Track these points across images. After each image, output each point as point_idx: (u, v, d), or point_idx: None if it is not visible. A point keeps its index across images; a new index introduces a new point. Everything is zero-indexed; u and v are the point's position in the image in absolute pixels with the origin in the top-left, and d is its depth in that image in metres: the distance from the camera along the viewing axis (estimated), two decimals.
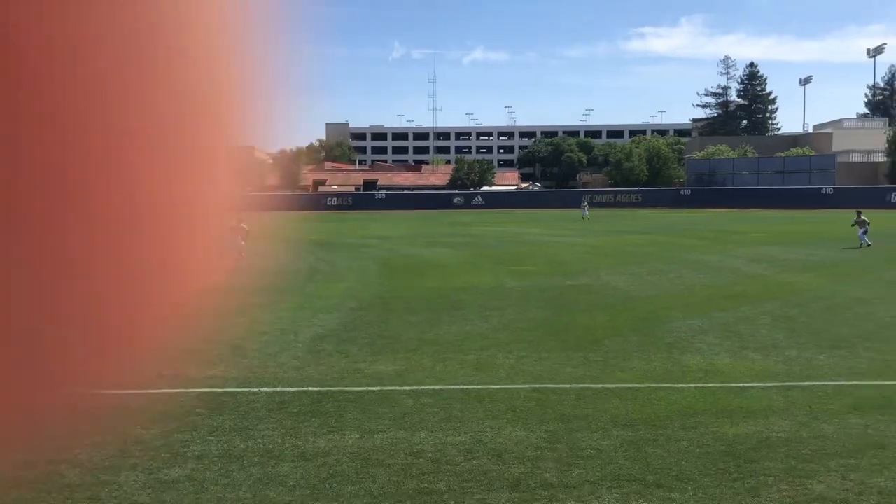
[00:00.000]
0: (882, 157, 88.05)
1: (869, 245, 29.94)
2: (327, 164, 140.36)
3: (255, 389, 10.46)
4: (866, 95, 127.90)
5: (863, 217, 31.22)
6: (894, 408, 9.24)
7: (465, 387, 10.42)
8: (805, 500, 6.58)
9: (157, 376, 11.18)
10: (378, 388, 10.47)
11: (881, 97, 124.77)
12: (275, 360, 12.21)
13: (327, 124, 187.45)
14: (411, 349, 12.80)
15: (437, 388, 10.41)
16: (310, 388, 10.48)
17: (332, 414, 9.27)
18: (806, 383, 10.40)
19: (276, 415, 9.29)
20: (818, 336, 13.54)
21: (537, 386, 10.39)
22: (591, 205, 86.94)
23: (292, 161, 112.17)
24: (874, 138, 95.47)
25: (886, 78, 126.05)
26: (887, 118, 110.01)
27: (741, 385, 10.35)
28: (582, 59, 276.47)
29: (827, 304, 17.07)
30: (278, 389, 10.47)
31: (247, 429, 8.77)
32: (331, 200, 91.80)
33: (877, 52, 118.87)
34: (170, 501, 6.85)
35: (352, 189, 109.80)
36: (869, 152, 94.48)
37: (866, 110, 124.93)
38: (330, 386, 10.61)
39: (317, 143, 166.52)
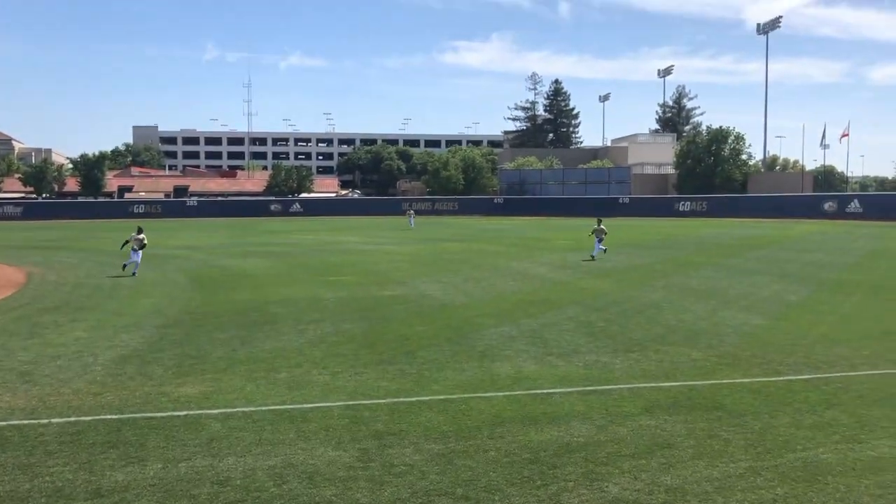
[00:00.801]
0: (671, 170, 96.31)
1: (605, 250, 31.12)
2: (134, 170, 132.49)
3: (45, 420, 9.61)
4: (657, 112, 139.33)
5: (602, 226, 31.46)
6: (681, 408, 10.06)
7: (277, 407, 10.15)
8: (602, 503, 7.00)
9: None
10: (184, 412, 9.95)
11: (670, 114, 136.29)
12: (69, 387, 11.28)
13: (134, 127, 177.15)
14: (221, 369, 12.31)
15: (247, 409, 10.06)
16: (108, 416, 9.77)
17: (132, 443, 8.69)
18: (603, 387, 11.08)
19: (68, 448, 8.56)
20: (614, 340, 14.50)
21: (351, 403, 10.33)
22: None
23: (94, 166, 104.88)
24: (664, 152, 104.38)
25: (674, 97, 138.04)
26: (675, 134, 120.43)
27: (546, 391, 10.85)
28: (400, 69, 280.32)
29: (622, 308, 18.34)
30: (72, 419, 9.67)
31: (33, 466, 8.01)
32: (137, 208, 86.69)
33: (666, 72, 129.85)
34: None
35: (161, 196, 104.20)
36: (660, 165, 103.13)
37: (657, 126, 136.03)
38: (131, 412, 9.95)
39: (123, 147, 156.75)
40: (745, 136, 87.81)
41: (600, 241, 30.98)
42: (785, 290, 21.34)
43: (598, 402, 10.28)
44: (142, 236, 25.88)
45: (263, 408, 10.12)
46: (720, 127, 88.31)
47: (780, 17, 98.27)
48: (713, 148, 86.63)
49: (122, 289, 22.60)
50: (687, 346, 13.88)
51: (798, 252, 33.87)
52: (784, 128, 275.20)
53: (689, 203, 78.85)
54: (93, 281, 24.56)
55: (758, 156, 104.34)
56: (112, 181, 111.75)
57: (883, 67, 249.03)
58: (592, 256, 30.39)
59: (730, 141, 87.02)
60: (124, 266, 25.88)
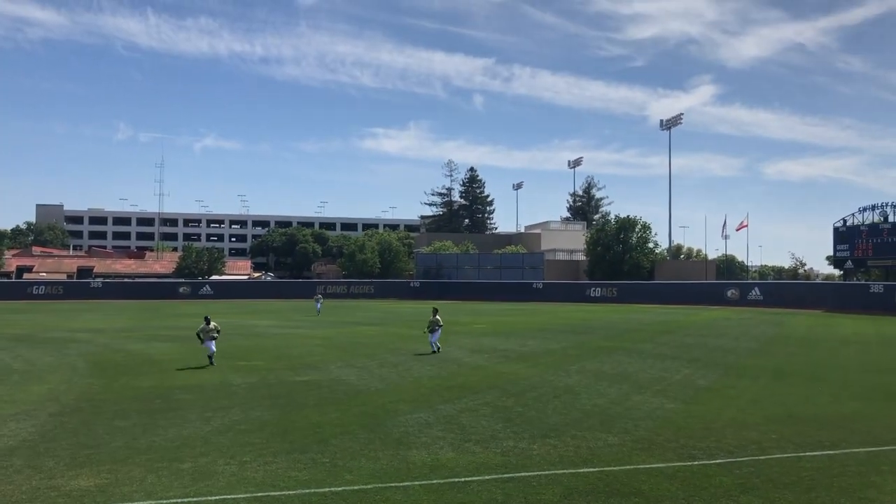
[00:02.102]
0: (582, 256, 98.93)
1: (438, 350, 27.07)
2: (35, 249, 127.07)
3: None
4: (568, 201, 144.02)
5: (437, 317, 27.53)
6: (599, 494, 9.95)
7: (180, 500, 9.52)
8: None
9: None
10: None
11: (580, 203, 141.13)
12: None
13: (38, 205, 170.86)
14: (119, 459, 11.54)
15: (147, 503, 9.40)
16: None
17: None
18: (522, 474, 10.90)
19: None
20: (532, 425, 14.39)
21: (260, 494, 9.80)
22: (325, 296, 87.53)
23: None
24: (575, 239, 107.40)
25: (584, 187, 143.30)
26: (585, 222, 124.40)
27: (463, 479, 10.58)
28: (317, 153, 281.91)
29: (539, 392, 18.31)
30: None
31: None
32: (37, 289, 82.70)
33: (576, 163, 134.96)
34: None
35: (63, 276, 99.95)
36: (571, 251, 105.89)
37: (568, 214, 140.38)
38: None
39: (24, 226, 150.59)
40: (651, 226, 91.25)
41: (434, 333, 27.20)
42: (694, 375, 21.82)
43: (517, 490, 10.07)
44: (213, 325, 23.52)
45: (164, 501, 9.48)
46: (627, 216, 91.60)
47: (682, 114, 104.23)
48: (621, 236, 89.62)
49: (14, 374, 21.24)
50: (603, 431, 13.89)
51: (705, 337, 34.91)
52: (687, 218, 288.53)
53: (599, 289, 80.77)
54: None
55: (663, 244, 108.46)
56: (11, 261, 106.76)
57: (775, 164, 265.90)
58: (434, 351, 26.91)
59: (637, 229, 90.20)
60: (210, 358, 23.39)
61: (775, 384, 20.23)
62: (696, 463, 11.66)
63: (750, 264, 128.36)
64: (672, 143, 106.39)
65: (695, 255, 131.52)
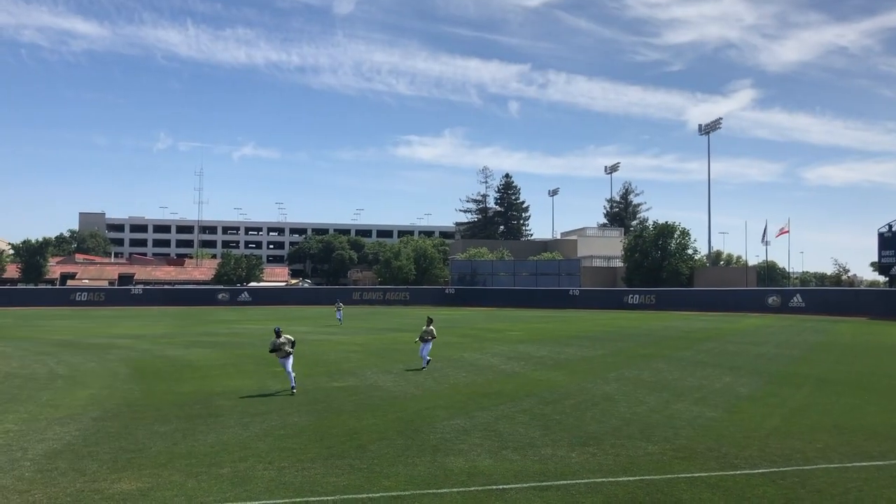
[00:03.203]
0: (619, 263, 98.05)
1: (428, 361, 24.39)
2: (78, 257, 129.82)
3: None
4: (605, 207, 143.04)
5: (432, 326, 24.68)
6: (639, 503, 9.79)
7: None
8: None
9: None
10: None
11: (617, 209, 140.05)
12: None
13: (81, 214, 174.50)
14: (160, 463, 11.68)
15: None
16: None
17: None
18: (561, 482, 10.78)
19: None
20: (570, 433, 14.25)
21: (298, 500, 9.82)
22: (362, 302, 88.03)
23: (37, 252, 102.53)
24: (612, 246, 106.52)
25: (621, 192, 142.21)
26: (623, 228, 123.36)
27: (501, 487, 10.50)
28: (353, 161, 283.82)
29: (576, 400, 18.14)
30: None
31: None
32: (80, 295, 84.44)
33: (613, 169, 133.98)
34: None
35: (105, 283, 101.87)
36: (609, 258, 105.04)
37: (605, 220, 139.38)
38: None
39: (68, 234, 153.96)
40: (690, 232, 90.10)
41: (426, 345, 24.31)
42: (736, 383, 21.44)
43: (556, 498, 9.96)
44: (284, 339, 19.56)
45: None
46: (666, 222, 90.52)
47: (721, 119, 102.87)
48: (660, 242, 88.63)
49: (59, 379, 21.65)
50: (642, 440, 13.69)
51: (746, 345, 34.32)
52: (727, 224, 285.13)
53: (637, 296, 79.96)
54: (27, 371, 23.50)
55: (703, 251, 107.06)
56: (55, 268, 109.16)
57: (817, 168, 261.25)
58: (423, 366, 24.15)
59: (676, 236, 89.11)
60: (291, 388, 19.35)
61: (820, 393, 19.79)
62: (738, 472, 11.43)
63: (791, 271, 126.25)
64: (711, 149, 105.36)
65: (735, 261, 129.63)
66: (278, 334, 19.58)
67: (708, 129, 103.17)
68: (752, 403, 17.97)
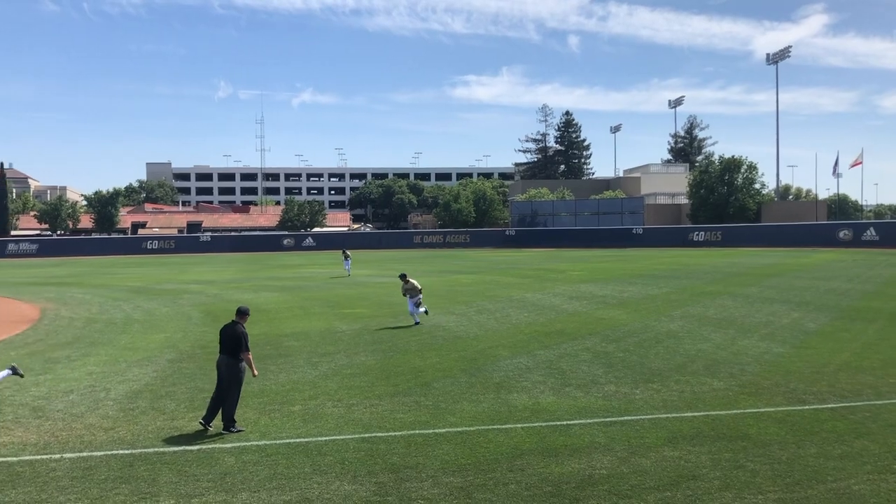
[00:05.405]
0: (684, 200, 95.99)
1: (427, 313, 21.66)
2: (148, 206, 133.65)
3: (57, 455, 9.48)
4: (669, 143, 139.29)
5: (413, 281, 21.76)
6: (704, 438, 9.80)
7: (292, 441, 9.97)
8: None
9: None
10: (197, 446, 9.80)
11: (682, 145, 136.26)
12: (81, 422, 11.16)
13: (148, 164, 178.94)
14: None
15: (261, 443, 9.89)
16: (120, 451, 9.63)
17: (144, 479, 8.54)
18: (625, 418, 10.84)
19: (80, 483, 8.43)
20: (633, 370, 14.25)
21: (367, 435, 10.13)
22: (423, 245, 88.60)
23: (108, 203, 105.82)
24: (677, 182, 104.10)
25: (685, 127, 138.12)
26: (687, 164, 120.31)
27: (565, 423, 10.62)
28: (410, 104, 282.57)
29: (640, 338, 18.08)
30: (84, 454, 9.54)
31: (45, 502, 7.88)
32: (151, 243, 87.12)
33: (677, 103, 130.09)
34: None
35: (174, 231, 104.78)
36: (673, 195, 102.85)
37: (669, 156, 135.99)
38: (143, 447, 9.81)
39: (136, 184, 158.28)
40: (757, 166, 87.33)
41: (416, 302, 21.26)
42: (804, 318, 21.01)
43: (620, 434, 10.04)
44: (412, 283, 21.24)
45: (277, 441, 9.95)
46: (732, 156, 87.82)
47: (790, 47, 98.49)
48: (726, 177, 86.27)
49: (135, 324, 22.55)
50: (707, 376, 13.61)
51: (815, 280, 33.47)
52: (796, 157, 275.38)
53: (702, 233, 78.40)
54: (105, 316, 24.53)
55: (771, 185, 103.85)
56: (126, 217, 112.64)
57: (892, 96, 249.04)
58: (417, 322, 21.22)
59: (742, 170, 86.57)
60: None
61: (893, 328, 19.26)
62: (806, 407, 11.31)
63: (864, 203, 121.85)
64: (779, 79, 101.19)
65: (804, 195, 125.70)
66: (405, 279, 21.40)
67: (776, 58, 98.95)
68: (822, 339, 17.63)
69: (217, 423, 10.53)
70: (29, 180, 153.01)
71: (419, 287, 21.38)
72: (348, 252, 45.40)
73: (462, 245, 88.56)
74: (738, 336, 18.12)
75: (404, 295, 21.92)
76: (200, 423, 10.58)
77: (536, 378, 13.66)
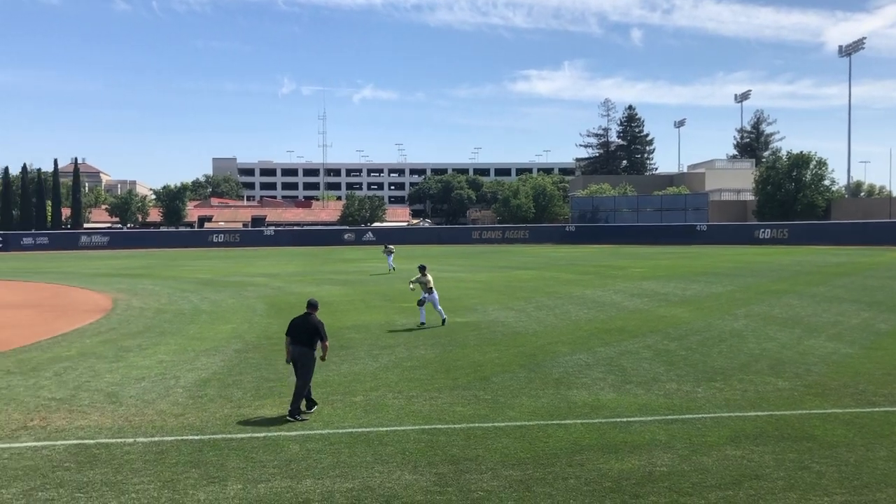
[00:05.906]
0: (750, 196, 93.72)
1: (444, 320, 20.10)
2: (214, 200, 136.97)
3: (131, 440, 9.89)
4: (735, 138, 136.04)
5: (428, 276, 20.57)
6: (768, 437, 9.66)
7: (354, 430, 10.19)
8: None
9: (22, 427, 10.42)
10: (263, 434, 10.11)
11: (748, 140, 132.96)
12: (153, 408, 11.61)
13: (214, 159, 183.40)
14: None
15: (324, 432, 10.13)
16: (190, 437, 9.99)
17: (213, 463, 8.85)
18: (686, 416, 10.75)
19: (153, 466, 8.79)
20: (695, 369, 14.08)
21: (427, 427, 10.28)
22: (481, 241, 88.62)
23: (176, 197, 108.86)
24: (743, 178, 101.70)
25: (752, 122, 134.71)
26: (754, 159, 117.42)
27: (625, 420, 10.58)
28: (469, 100, 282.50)
29: (702, 336, 17.82)
30: (156, 439, 9.94)
31: (120, 483, 8.24)
32: (217, 237, 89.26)
33: (743, 97, 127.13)
34: None
35: (239, 225, 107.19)
36: (738, 191, 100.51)
37: (735, 152, 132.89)
38: (212, 433, 10.16)
39: (203, 179, 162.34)
40: (827, 161, 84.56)
41: (430, 300, 20.14)
42: (875, 319, 20.39)
43: (681, 432, 9.96)
44: (429, 277, 20.48)
45: (340, 430, 10.18)
46: (801, 152, 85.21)
47: (864, 38, 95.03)
48: (794, 174, 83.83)
49: (203, 315, 23.21)
50: (772, 375, 13.37)
51: (887, 279, 32.37)
52: (868, 153, 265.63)
53: (769, 230, 76.42)
54: (174, 307, 25.31)
55: (841, 181, 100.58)
56: (192, 211, 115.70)
57: None
58: (422, 322, 20.11)
59: (811, 166, 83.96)
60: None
61: None
62: (876, 409, 11.02)
63: None
64: (852, 71, 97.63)
65: (877, 192, 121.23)
66: (423, 271, 20.60)
67: (849, 50, 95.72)
68: (893, 340, 17.09)
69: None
70: (101, 174, 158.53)
71: (431, 285, 20.37)
72: (391, 247, 44.00)
73: (521, 241, 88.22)
74: (805, 336, 17.70)
75: (411, 285, 21.43)
76: (295, 418, 10.75)
77: (596, 375, 13.62)
